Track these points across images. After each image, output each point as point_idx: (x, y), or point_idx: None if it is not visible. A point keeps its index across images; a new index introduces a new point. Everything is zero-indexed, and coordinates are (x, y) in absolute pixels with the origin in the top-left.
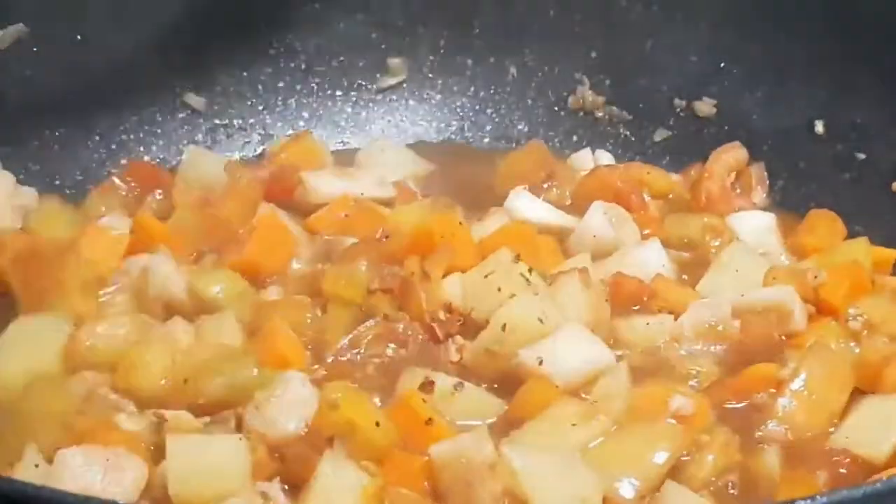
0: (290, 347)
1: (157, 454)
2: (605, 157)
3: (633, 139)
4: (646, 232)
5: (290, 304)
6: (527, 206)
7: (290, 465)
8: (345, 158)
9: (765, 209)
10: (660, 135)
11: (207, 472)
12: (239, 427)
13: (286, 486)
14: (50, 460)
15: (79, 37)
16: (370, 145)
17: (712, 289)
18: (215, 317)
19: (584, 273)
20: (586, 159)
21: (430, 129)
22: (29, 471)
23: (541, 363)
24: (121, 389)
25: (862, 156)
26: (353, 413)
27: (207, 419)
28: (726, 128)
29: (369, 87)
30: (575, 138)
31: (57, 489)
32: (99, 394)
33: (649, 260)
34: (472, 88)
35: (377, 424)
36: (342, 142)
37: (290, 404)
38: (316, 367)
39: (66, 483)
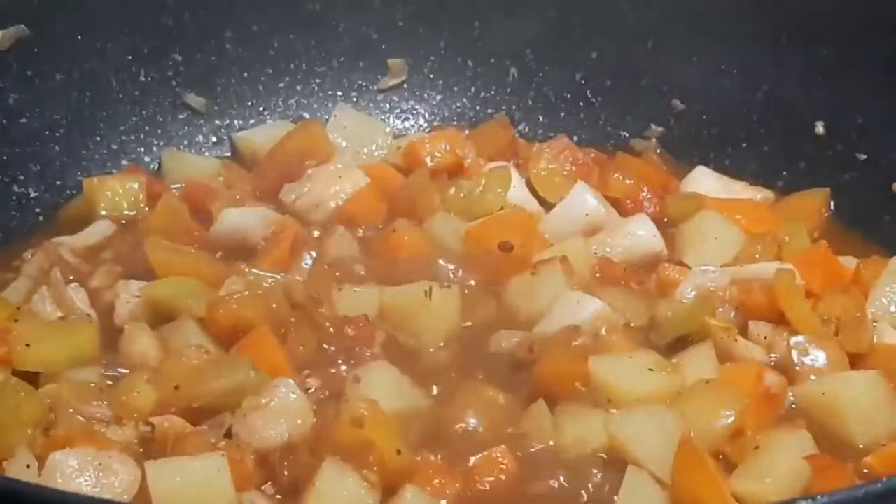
0: (275, 355)
1: (148, 457)
2: None
3: (633, 140)
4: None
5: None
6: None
7: (289, 471)
8: None
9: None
10: (659, 135)
11: (190, 495)
12: (231, 433)
13: (279, 493)
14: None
15: (79, 37)
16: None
17: (699, 258)
18: (176, 323)
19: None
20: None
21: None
22: (20, 471)
23: None
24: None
25: (862, 156)
26: (377, 435)
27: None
28: (726, 129)
29: (370, 87)
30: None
31: (61, 490)
32: (67, 406)
33: (638, 233)
34: (473, 89)
35: (398, 452)
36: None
37: (278, 413)
38: (307, 372)
39: (58, 485)
